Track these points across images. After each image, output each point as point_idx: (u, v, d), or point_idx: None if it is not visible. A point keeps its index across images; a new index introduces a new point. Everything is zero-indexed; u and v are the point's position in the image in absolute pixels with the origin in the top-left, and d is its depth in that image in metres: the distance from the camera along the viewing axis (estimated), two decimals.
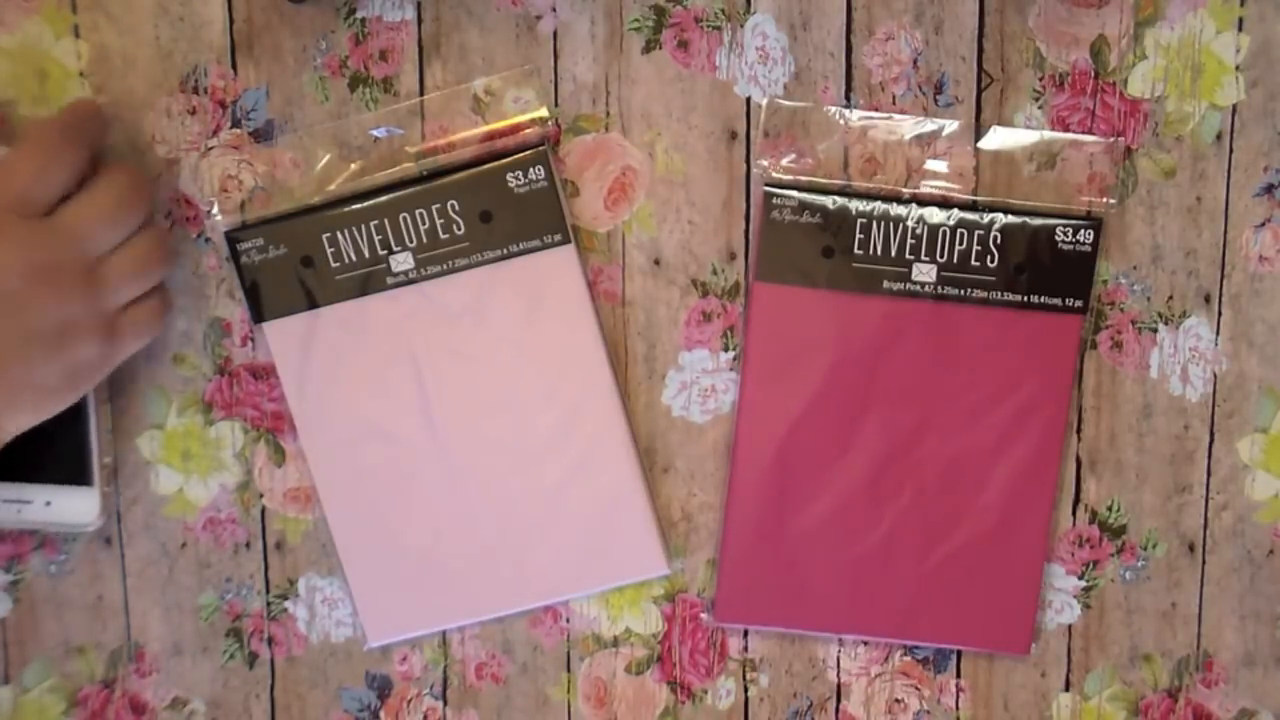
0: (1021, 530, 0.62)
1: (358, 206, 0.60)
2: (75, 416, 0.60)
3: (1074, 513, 0.64)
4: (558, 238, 0.61)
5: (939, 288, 0.61)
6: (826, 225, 0.61)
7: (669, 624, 0.64)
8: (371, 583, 0.63)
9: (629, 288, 0.63)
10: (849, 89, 0.61)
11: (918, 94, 0.61)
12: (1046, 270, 0.61)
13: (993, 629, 0.63)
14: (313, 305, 0.61)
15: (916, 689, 0.65)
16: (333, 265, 0.61)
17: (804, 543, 0.62)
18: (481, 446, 0.62)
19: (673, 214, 0.62)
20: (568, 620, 0.64)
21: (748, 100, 0.61)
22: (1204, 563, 0.64)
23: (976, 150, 0.62)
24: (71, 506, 0.61)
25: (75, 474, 0.61)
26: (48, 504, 0.61)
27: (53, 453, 0.61)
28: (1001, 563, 0.63)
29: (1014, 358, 0.61)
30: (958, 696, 0.65)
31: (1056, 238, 0.61)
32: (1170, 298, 0.63)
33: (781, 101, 0.61)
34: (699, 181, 0.62)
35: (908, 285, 0.61)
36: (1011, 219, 0.61)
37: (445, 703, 0.65)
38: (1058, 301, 0.61)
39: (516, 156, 0.60)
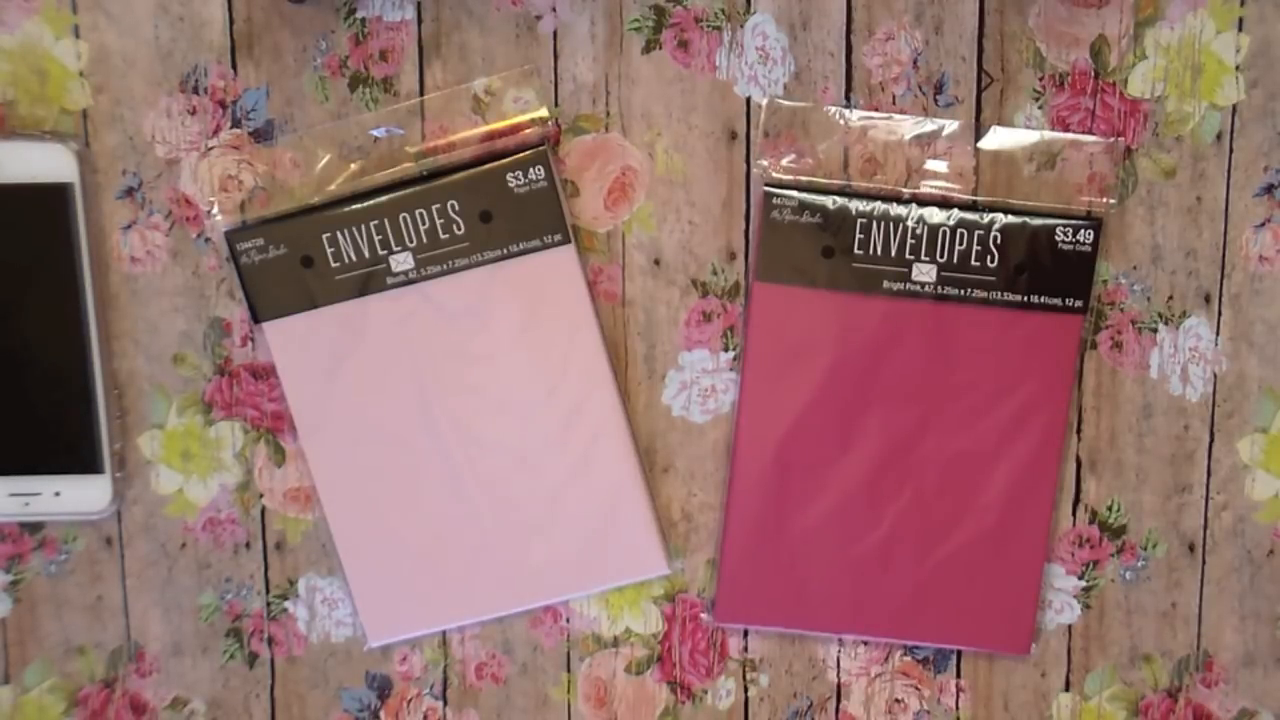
0: (1021, 530, 0.62)
1: (358, 206, 0.60)
2: (84, 404, 0.60)
3: (1074, 513, 0.64)
4: (558, 238, 0.61)
5: (939, 288, 0.61)
6: (826, 225, 0.61)
7: (669, 624, 0.64)
8: (371, 583, 0.63)
9: (629, 288, 0.63)
10: (849, 89, 0.61)
11: (918, 94, 0.61)
12: (1046, 270, 0.61)
13: (993, 629, 0.63)
14: (313, 305, 0.61)
15: (916, 689, 0.65)
16: (333, 265, 0.61)
17: (804, 543, 0.62)
18: (481, 446, 0.62)
19: (673, 214, 0.62)
20: (568, 620, 0.64)
21: (748, 100, 0.61)
22: (1204, 563, 0.64)
23: (976, 150, 0.62)
24: (82, 495, 0.61)
25: (85, 462, 0.61)
26: (57, 494, 0.61)
27: (61, 442, 0.61)
28: (1001, 563, 0.63)
29: (1014, 358, 0.62)
30: (958, 696, 0.65)
31: (1056, 238, 0.61)
32: (1170, 298, 0.63)
33: (781, 101, 0.61)
34: (699, 181, 0.62)
35: (908, 285, 0.61)
36: (1011, 219, 0.61)
37: (445, 703, 0.65)
38: (1058, 301, 0.61)
39: (516, 156, 0.60)
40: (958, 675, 0.65)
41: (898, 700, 0.65)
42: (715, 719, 0.65)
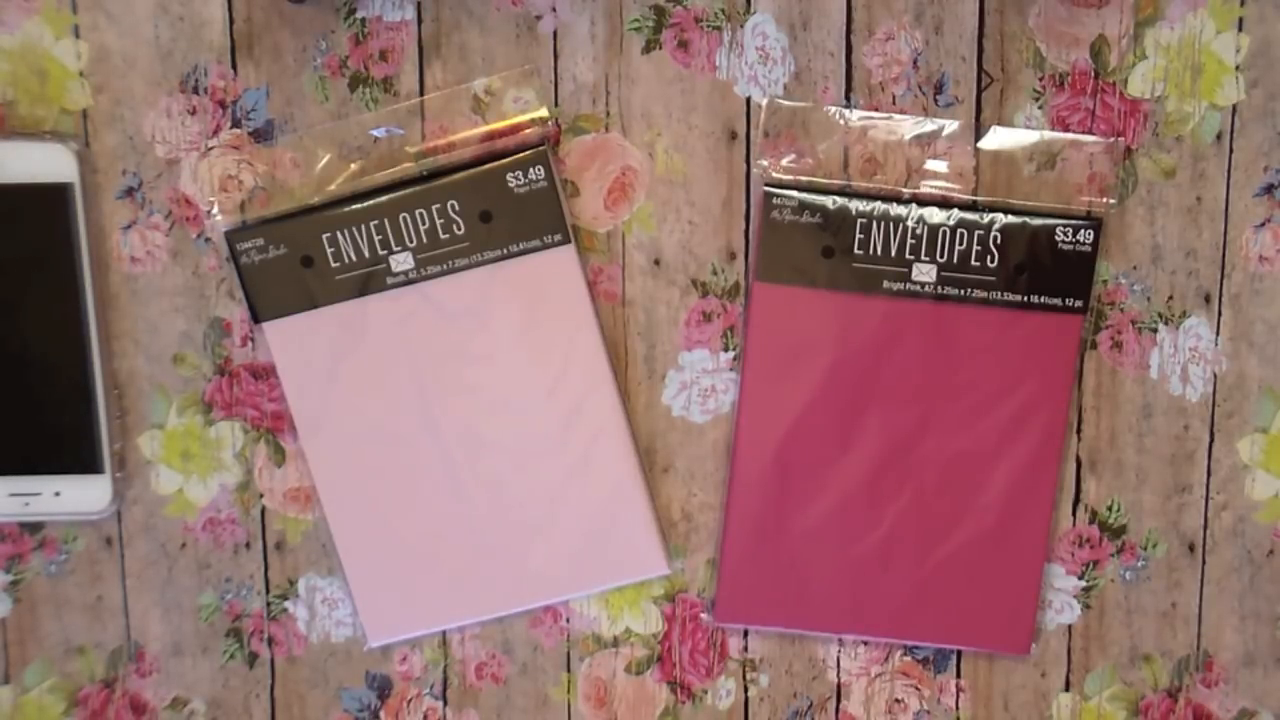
0: (1021, 530, 0.62)
1: (358, 206, 0.60)
2: (84, 404, 0.60)
3: (1074, 513, 0.64)
4: (558, 238, 0.61)
5: (939, 288, 0.61)
6: (826, 225, 0.61)
7: (669, 624, 0.64)
8: (371, 583, 0.63)
9: (629, 288, 0.63)
10: (849, 89, 0.61)
11: (918, 94, 0.61)
12: (1046, 270, 0.61)
13: (993, 629, 0.63)
14: (313, 305, 0.61)
15: (916, 689, 0.65)
16: (333, 265, 0.61)
17: (804, 543, 0.62)
18: (481, 446, 0.62)
19: (673, 214, 0.62)
20: (568, 620, 0.64)
21: (748, 100, 0.61)
22: (1204, 563, 0.64)
23: (976, 150, 0.62)
24: (82, 495, 0.61)
25: (85, 462, 0.61)
26: (57, 494, 0.61)
27: (61, 442, 0.61)
28: (1001, 563, 0.63)
29: (1014, 358, 0.61)
30: (958, 696, 0.65)
31: (1056, 238, 0.61)
32: (1170, 298, 0.63)
33: (781, 101, 0.61)
34: (699, 181, 0.62)
35: (908, 285, 0.61)
36: (1011, 219, 0.61)
37: (445, 703, 0.65)
38: (1058, 301, 0.61)
39: (516, 156, 0.60)
40: (958, 675, 0.65)
41: (898, 700, 0.65)
42: (715, 719, 0.65)
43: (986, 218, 0.61)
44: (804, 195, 0.61)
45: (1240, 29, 0.61)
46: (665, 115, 0.61)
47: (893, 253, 0.61)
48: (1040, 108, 0.61)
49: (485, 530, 0.62)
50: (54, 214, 0.60)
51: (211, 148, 0.62)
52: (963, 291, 0.61)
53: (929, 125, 0.61)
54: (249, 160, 0.61)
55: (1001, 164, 0.62)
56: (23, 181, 0.59)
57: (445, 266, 0.61)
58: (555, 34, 0.61)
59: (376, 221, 0.60)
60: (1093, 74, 0.61)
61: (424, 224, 0.61)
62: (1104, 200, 0.62)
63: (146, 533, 0.64)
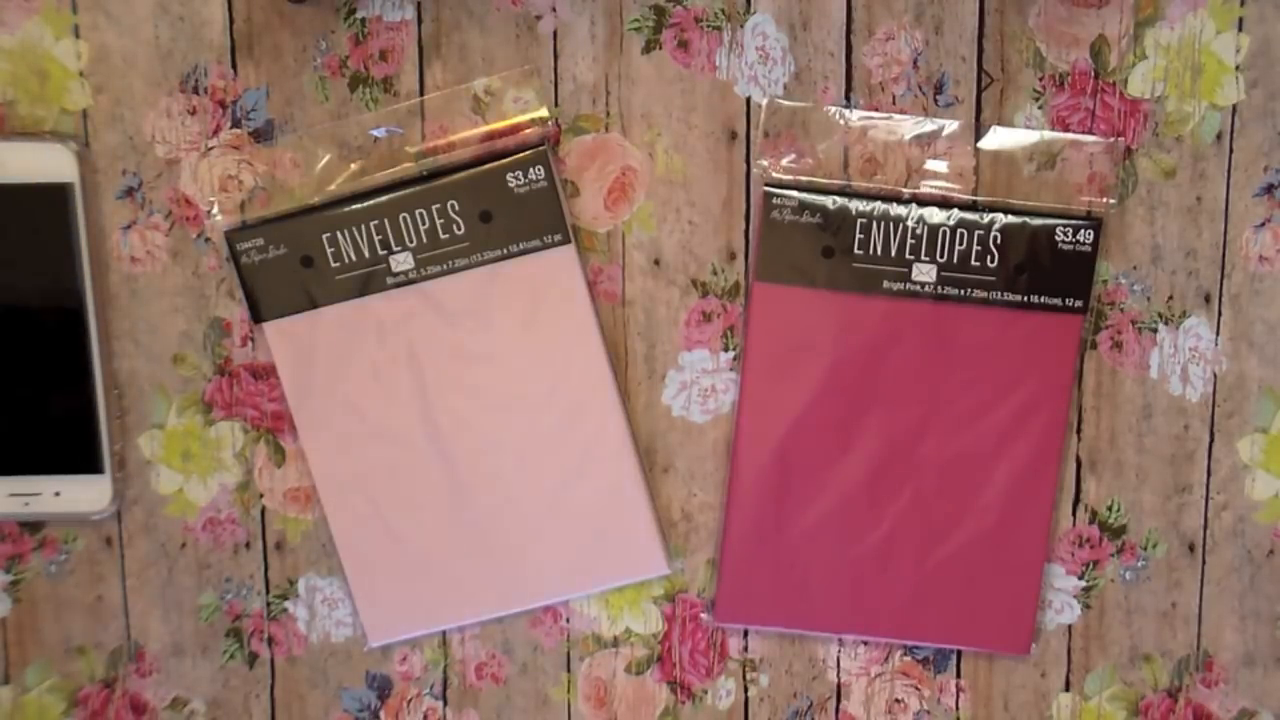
0: (1021, 530, 0.62)
1: (358, 206, 0.60)
2: (84, 404, 0.60)
3: (1074, 513, 0.64)
4: (558, 238, 0.61)
5: (939, 288, 0.61)
6: (826, 225, 0.61)
7: (669, 624, 0.64)
8: (371, 583, 0.63)
9: (629, 288, 0.63)
10: (849, 89, 0.61)
11: (918, 94, 0.61)
12: (1046, 270, 0.61)
13: (993, 629, 0.63)
14: (313, 305, 0.61)
15: (916, 689, 0.65)
16: (333, 265, 0.61)
17: (804, 543, 0.62)
18: (481, 446, 0.62)
19: (673, 214, 0.62)
20: (568, 620, 0.64)
21: (748, 100, 0.61)
22: (1204, 563, 0.64)
23: (976, 150, 0.62)
24: (82, 495, 0.61)
25: (85, 462, 0.61)
26: (57, 494, 0.61)
27: (61, 442, 0.61)
28: (1001, 563, 0.63)
29: (1014, 358, 0.62)
30: (958, 696, 0.65)
31: (1056, 238, 0.61)
32: (1170, 298, 0.63)
33: (781, 101, 0.61)
34: (699, 181, 0.62)
35: (908, 285, 0.61)
36: (1011, 219, 0.61)
37: (445, 703, 0.65)
38: (1058, 301, 0.61)
39: (516, 156, 0.60)
40: (958, 675, 0.65)
41: (898, 700, 0.65)
42: (715, 719, 0.65)
43: (986, 218, 0.61)
44: (804, 195, 0.61)
45: (1240, 29, 0.61)
46: (665, 115, 0.61)
47: (893, 253, 0.61)
48: (1040, 108, 0.61)
49: (485, 530, 0.62)
50: (54, 214, 0.60)
51: (211, 148, 0.62)
52: (963, 291, 0.61)
53: (929, 125, 0.61)
54: (249, 160, 0.61)
55: (1001, 164, 0.62)
56: (23, 181, 0.59)
57: (445, 266, 0.61)
58: (555, 34, 0.61)
59: (376, 221, 0.60)
60: (1093, 74, 0.61)
61: (424, 224, 0.61)
62: (1104, 200, 0.62)
63: (146, 533, 0.64)
